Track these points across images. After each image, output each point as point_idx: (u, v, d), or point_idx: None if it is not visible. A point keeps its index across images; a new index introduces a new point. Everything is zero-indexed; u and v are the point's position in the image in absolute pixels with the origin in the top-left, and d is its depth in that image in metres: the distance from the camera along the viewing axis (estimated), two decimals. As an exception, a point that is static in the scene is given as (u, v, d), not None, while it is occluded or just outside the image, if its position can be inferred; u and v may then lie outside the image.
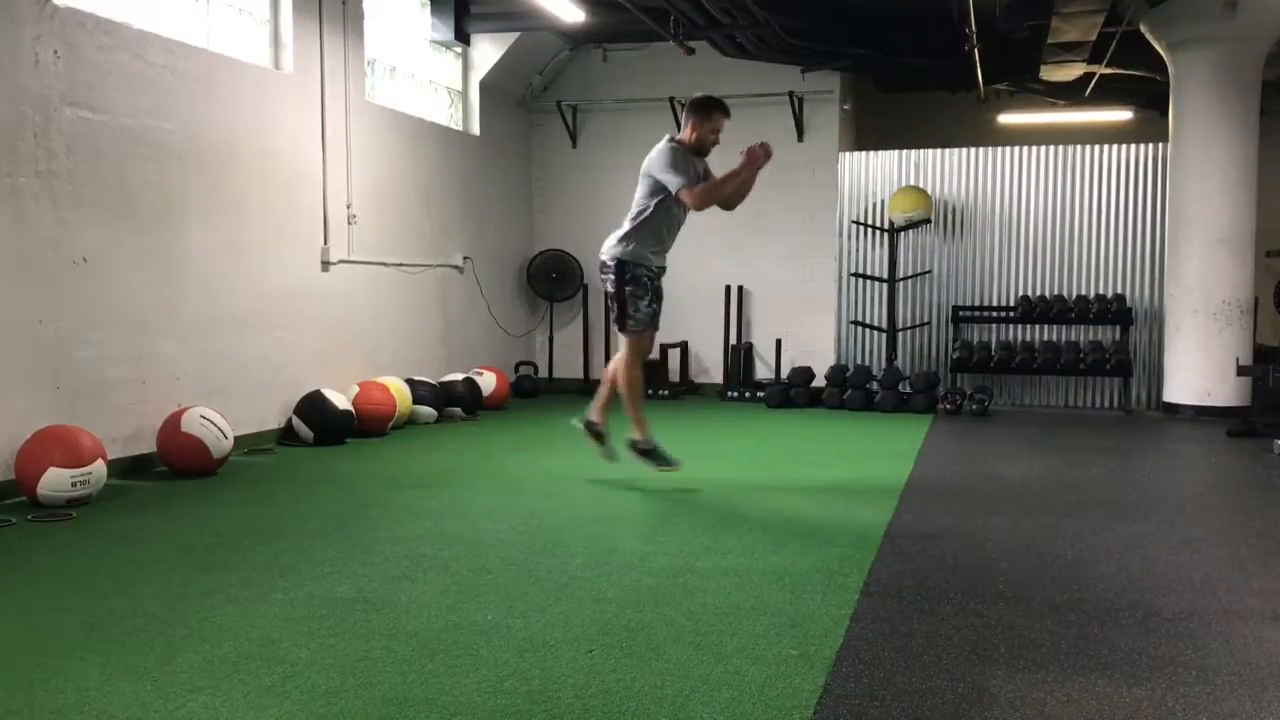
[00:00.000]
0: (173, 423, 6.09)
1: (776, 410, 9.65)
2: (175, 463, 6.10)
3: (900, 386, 9.69)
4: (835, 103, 10.68)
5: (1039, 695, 2.79)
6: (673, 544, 4.43)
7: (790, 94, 10.53)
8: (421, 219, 9.26)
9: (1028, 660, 3.06)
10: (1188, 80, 9.10)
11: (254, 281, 7.13)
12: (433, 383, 8.65)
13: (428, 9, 9.66)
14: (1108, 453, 7.27)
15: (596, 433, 5.98)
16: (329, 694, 2.78)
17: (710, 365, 10.94)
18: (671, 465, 5.80)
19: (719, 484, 5.88)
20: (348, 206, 8.12)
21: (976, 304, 10.43)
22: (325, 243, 7.88)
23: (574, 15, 8.47)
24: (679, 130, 5.88)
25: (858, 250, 10.71)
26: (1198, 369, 9.11)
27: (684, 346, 10.80)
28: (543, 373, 11.20)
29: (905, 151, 10.61)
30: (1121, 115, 11.63)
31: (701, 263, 10.36)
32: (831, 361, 10.49)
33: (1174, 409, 9.29)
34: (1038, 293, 10.26)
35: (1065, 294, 10.15)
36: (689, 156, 5.67)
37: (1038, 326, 10.19)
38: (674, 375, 10.77)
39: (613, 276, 5.76)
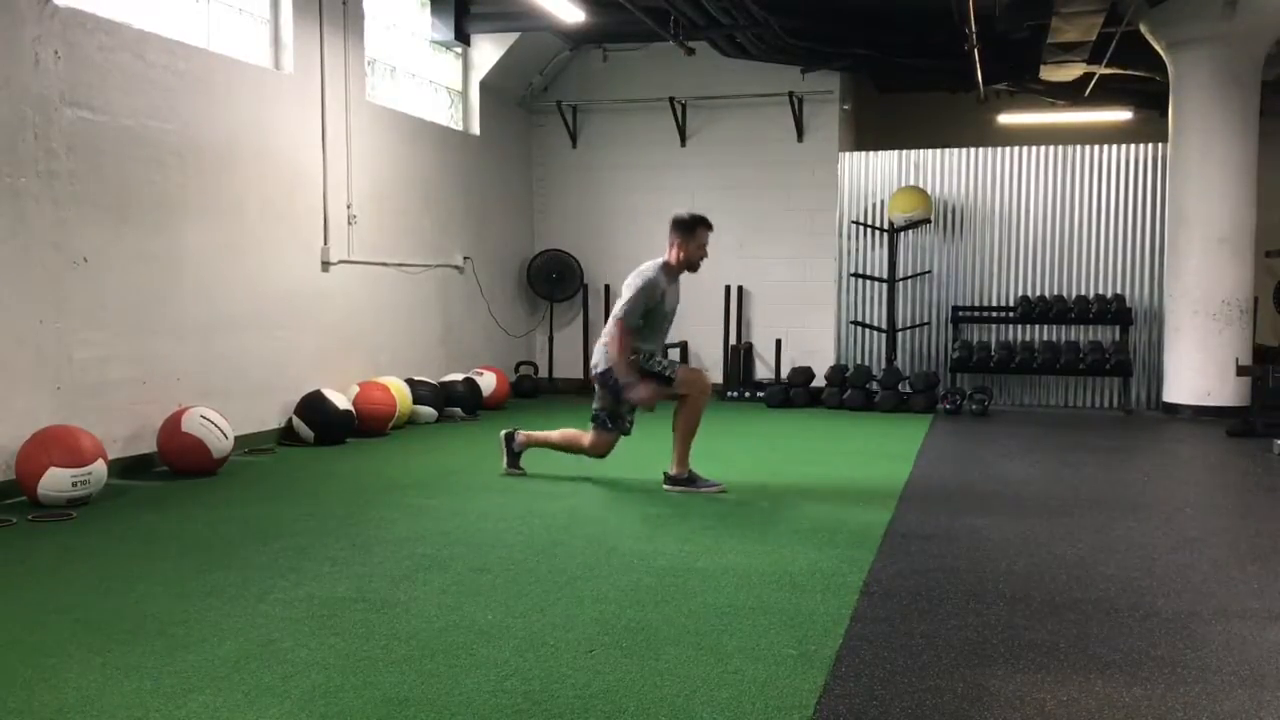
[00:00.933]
0: (173, 423, 6.09)
1: (776, 410, 9.65)
2: (175, 463, 6.10)
3: (900, 386, 9.70)
4: (835, 103, 10.68)
5: (1039, 695, 2.80)
6: (673, 544, 4.44)
7: (790, 94, 10.53)
8: (421, 219, 9.26)
9: (1028, 660, 3.06)
10: (1187, 80, 9.10)
11: (254, 281, 7.13)
12: (433, 383, 8.65)
13: (428, 9, 9.67)
14: (1108, 453, 7.27)
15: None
16: (329, 694, 2.78)
17: (710, 365, 10.94)
18: (517, 471, 5.98)
19: (719, 484, 5.88)
20: (348, 207, 8.12)
21: (976, 304, 10.43)
22: (325, 243, 7.88)
23: (574, 15, 8.47)
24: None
25: (858, 250, 10.71)
26: (1197, 369, 9.11)
27: (684, 346, 10.80)
28: (543, 373, 11.20)
29: (905, 151, 10.61)
30: (1121, 115, 11.62)
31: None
32: (831, 361, 10.49)
33: (1174, 409, 9.29)
34: (1037, 293, 10.26)
35: (1065, 294, 10.15)
36: (661, 285, 5.60)
37: (1037, 326, 10.19)
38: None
39: (602, 382, 5.71)
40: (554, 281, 11.09)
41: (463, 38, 9.80)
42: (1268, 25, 8.81)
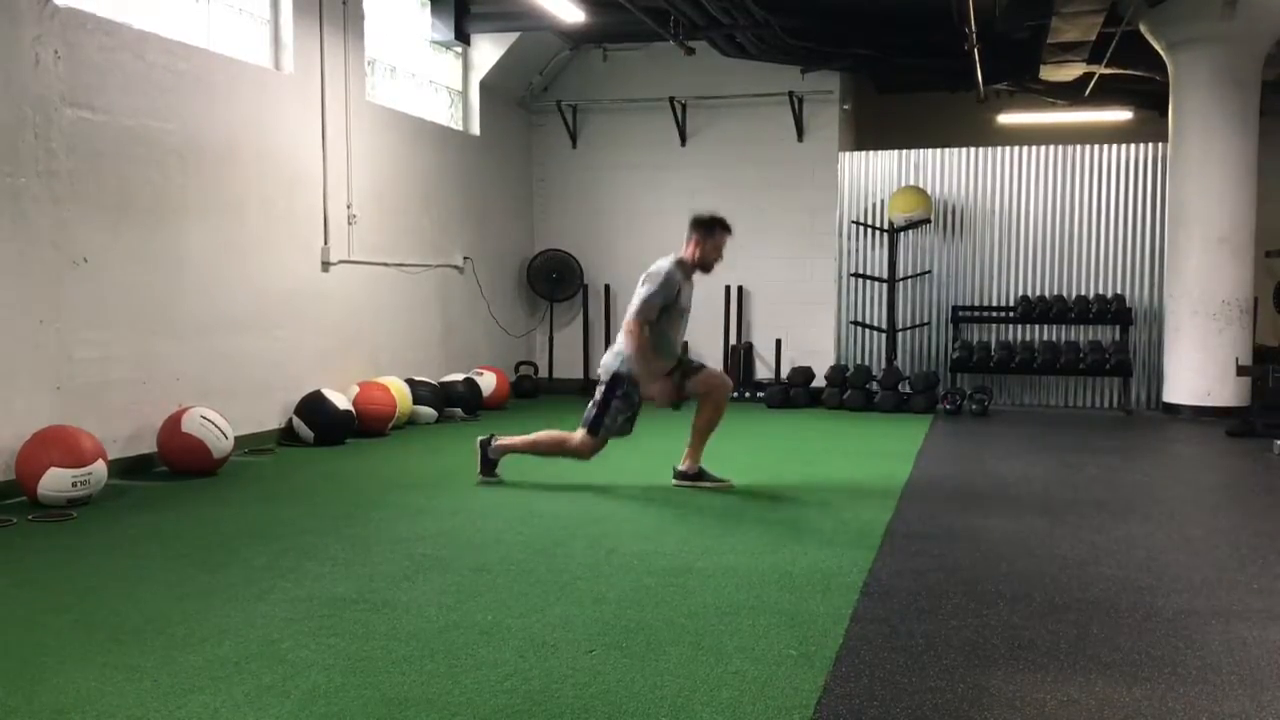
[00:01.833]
0: (173, 423, 6.09)
1: (776, 410, 9.65)
2: (175, 463, 6.10)
3: (900, 386, 9.70)
4: (835, 103, 10.68)
5: (1039, 695, 2.80)
6: (673, 544, 4.44)
7: (790, 94, 10.53)
8: (421, 219, 9.26)
9: (1028, 660, 3.06)
10: (1187, 80, 9.10)
11: (254, 281, 7.13)
12: (433, 383, 8.66)
13: (428, 9, 9.67)
14: (1107, 453, 7.27)
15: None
16: (329, 694, 2.78)
17: (710, 365, 10.91)
18: (492, 479, 5.80)
19: (719, 484, 5.87)
20: (348, 207, 8.12)
21: (976, 304, 10.42)
22: (325, 243, 7.88)
23: (574, 15, 8.47)
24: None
25: (857, 250, 10.71)
26: (1197, 369, 9.11)
27: (684, 347, 10.78)
28: (543, 373, 11.20)
29: (905, 151, 10.61)
30: (1121, 115, 11.62)
31: (701, 263, 10.35)
32: (831, 362, 10.49)
33: (1174, 409, 9.29)
34: (1037, 293, 10.26)
35: (1065, 294, 10.15)
36: (677, 280, 5.60)
37: (1037, 326, 10.19)
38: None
39: (604, 387, 5.68)
40: (554, 281, 11.09)
41: (463, 37, 9.80)
42: (1268, 25, 8.81)
